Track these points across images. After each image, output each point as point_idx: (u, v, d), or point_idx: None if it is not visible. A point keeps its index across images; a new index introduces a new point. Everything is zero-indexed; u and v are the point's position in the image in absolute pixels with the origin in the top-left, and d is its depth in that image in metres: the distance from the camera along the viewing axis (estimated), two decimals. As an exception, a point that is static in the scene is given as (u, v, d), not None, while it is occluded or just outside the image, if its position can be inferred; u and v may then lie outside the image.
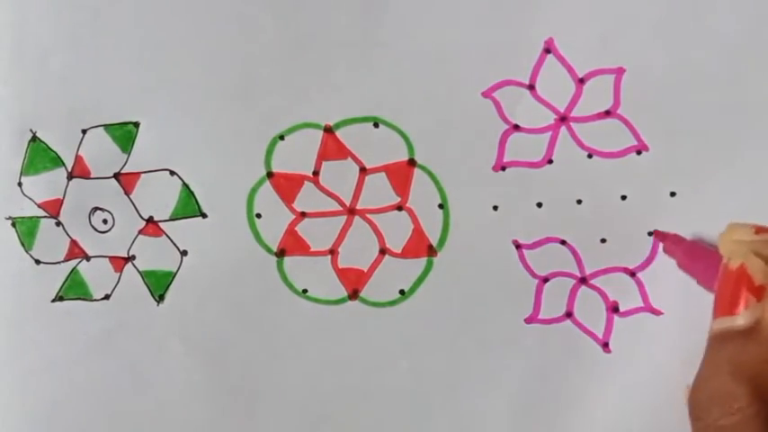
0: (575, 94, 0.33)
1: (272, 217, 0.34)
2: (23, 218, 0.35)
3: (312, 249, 0.34)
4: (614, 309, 0.33)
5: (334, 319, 0.34)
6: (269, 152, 0.34)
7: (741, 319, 0.23)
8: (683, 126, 0.32)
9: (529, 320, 0.34)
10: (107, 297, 0.35)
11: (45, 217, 0.35)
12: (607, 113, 0.33)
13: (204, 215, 0.34)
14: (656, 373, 0.33)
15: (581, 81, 0.33)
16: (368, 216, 0.34)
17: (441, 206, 0.34)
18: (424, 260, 0.34)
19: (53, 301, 0.35)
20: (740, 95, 0.32)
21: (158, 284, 0.35)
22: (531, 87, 0.33)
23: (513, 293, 0.34)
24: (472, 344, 0.34)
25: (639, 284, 0.33)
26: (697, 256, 0.29)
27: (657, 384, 0.33)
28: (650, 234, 0.33)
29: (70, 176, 0.35)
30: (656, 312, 0.33)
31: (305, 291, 0.34)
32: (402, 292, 0.34)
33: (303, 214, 0.34)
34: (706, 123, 0.32)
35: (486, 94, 0.33)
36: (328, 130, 0.34)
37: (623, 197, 0.33)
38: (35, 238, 0.35)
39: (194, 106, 0.34)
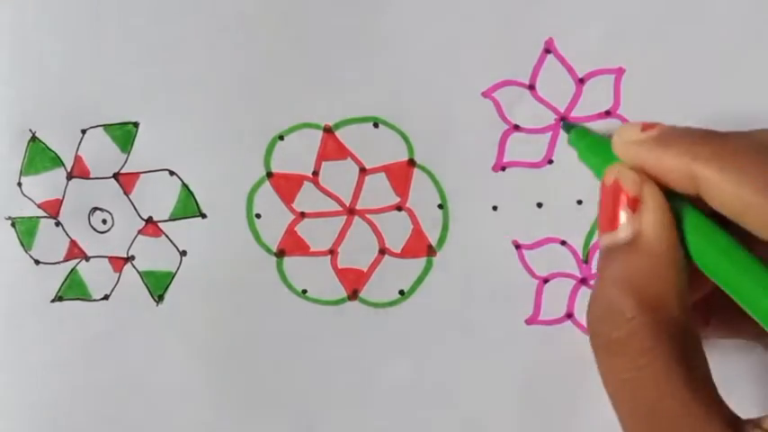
0: (575, 95, 0.33)
1: (271, 217, 0.34)
2: (23, 218, 0.35)
3: (312, 249, 0.34)
4: (614, 309, 0.33)
5: (334, 320, 0.34)
6: (268, 152, 0.34)
7: (621, 232, 0.23)
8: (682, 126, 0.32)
9: (529, 321, 0.34)
10: (106, 297, 0.35)
11: (44, 217, 0.35)
12: (607, 113, 0.33)
13: (204, 215, 0.34)
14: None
15: (581, 81, 0.33)
16: (367, 216, 0.34)
17: (440, 206, 0.34)
18: (423, 260, 0.34)
19: (52, 301, 0.35)
20: (740, 95, 0.32)
21: (158, 285, 0.35)
22: (531, 87, 0.33)
23: (513, 294, 0.34)
24: (472, 344, 0.34)
25: (640, 285, 0.33)
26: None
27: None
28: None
29: (70, 176, 0.35)
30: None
31: (304, 291, 0.34)
32: (402, 292, 0.34)
33: (303, 214, 0.34)
34: (705, 123, 0.32)
35: (486, 95, 0.33)
36: (328, 131, 0.34)
37: (623, 197, 0.33)
38: (34, 239, 0.35)
39: (194, 106, 0.34)
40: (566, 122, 0.30)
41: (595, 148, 0.26)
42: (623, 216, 0.23)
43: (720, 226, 0.23)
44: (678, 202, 0.23)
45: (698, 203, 0.23)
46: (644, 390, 0.22)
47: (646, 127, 0.24)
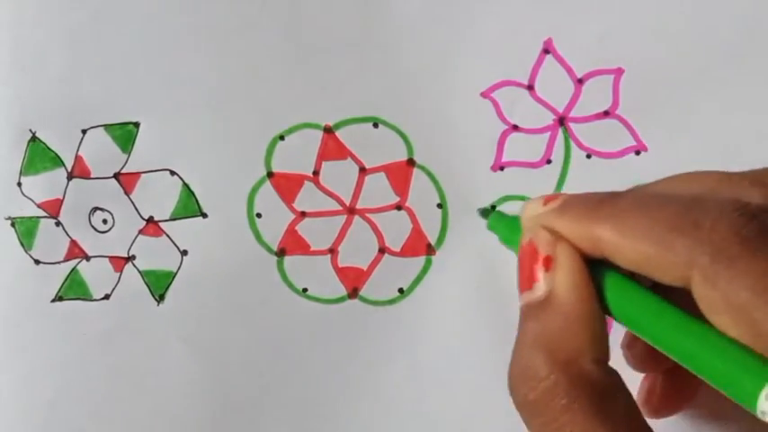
0: (573, 95, 0.33)
1: (272, 217, 0.34)
2: (23, 218, 0.35)
3: (312, 249, 0.34)
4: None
5: (334, 318, 0.34)
6: (269, 152, 0.34)
7: (536, 291, 0.24)
8: (682, 126, 0.32)
9: (527, 319, 0.34)
10: (107, 297, 0.35)
11: (45, 217, 0.35)
12: (606, 114, 0.33)
13: (204, 215, 0.34)
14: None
15: (580, 81, 0.33)
16: (367, 215, 0.34)
17: (440, 206, 0.34)
18: (422, 259, 0.34)
19: (53, 301, 0.35)
20: (740, 95, 0.32)
21: (158, 284, 0.35)
22: (530, 88, 0.33)
23: (512, 292, 0.34)
24: (471, 342, 0.34)
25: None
26: None
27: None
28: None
29: (70, 176, 0.35)
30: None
31: (305, 290, 0.34)
32: (401, 290, 0.34)
33: (303, 214, 0.34)
34: (705, 123, 0.32)
35: (485, 95, 0.33)
36: (328, 131, 0.34)
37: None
38: (35, 239, 0.35)
39: (194, 106, 0.34)
40: (481, 209, 0.30)
41: (513, 227, 0.26)
42: (538, 275, 0.24)
43: (635, 281, 0.23)
44: (598, 265, 0.24)
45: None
46: None
47: (548, 200, 0.25)
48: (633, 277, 0.23)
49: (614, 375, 0.23)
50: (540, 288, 0.24)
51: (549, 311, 0.23)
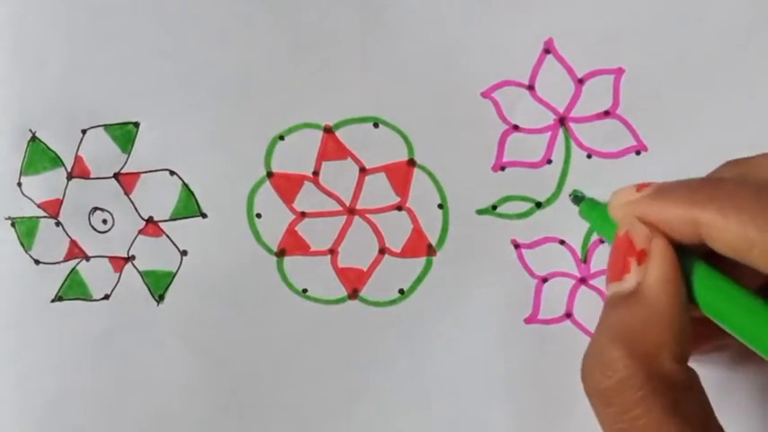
0: (574, 95, 0.33)
1: (272, 217, 0.34)
2: (23, 218, 0.35)
3: (312, 249, 0.34)
4: (614, 309, 0.33)
5: (334, 319, 0.34)
6: (269, 152, 0.34)
7: (626, 283, 0.24)
8: (682, 126, 0.32)
9: (528, 321, 0.34)
10: (107, 297, 0.35)
11: (44, 217, 0.35)
12: (606, 114, 0.33)
13: (204, 215, 0.34)
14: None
15: (580, 81, 0.33)
16: (368, 216, 0.34)
17: (440, 206, 0.34)
18: (423, 260, 0.34)
19: (53, 301, 0.35)
20: (740, 95, 0.32)
21: (158, 284, 0.35)
22: (531, 88, 0.33)
23: (512, 293, 0.34)
24: (471, 343, 0.34)
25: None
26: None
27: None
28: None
29: (70, 176, 0.35)
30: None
31: (305, 290, 0.34)
32: (401, 291, 0.34)
33: (303, 214, 0.34)
34: (705, 124, 0.32)
35: (485, 95, 0.33)
36: (328, 131, 0.34)
37: (623, 197, 0.33)
38: (35, 239, 0.35)
39: (194, 106, 0.34)
40: (572, 195, 0.30)
41: (607, 216, 0.26)
42: (631, 267, 0.24)
43: (728, 276, 0.23)
44: (689, 258, 0.24)
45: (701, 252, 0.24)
46: None
47: (640, 187, 0.25)
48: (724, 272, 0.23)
49: (692, 374, 0.23)
50: (630, 280, 0.24)
51: (636, 304, 0.23)
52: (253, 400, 0.35)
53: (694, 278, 0.23)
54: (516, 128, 0.33)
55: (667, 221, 0.23)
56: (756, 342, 0.22)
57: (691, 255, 0.24)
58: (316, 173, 0.34)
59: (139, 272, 0.35)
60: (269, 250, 0.34)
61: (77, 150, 0.35)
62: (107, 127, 0.34)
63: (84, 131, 0.35)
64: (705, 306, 0.23)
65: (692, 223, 0.23)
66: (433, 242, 0.34)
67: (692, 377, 0.23)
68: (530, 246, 0.34)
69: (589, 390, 0.24)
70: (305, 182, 0.34)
